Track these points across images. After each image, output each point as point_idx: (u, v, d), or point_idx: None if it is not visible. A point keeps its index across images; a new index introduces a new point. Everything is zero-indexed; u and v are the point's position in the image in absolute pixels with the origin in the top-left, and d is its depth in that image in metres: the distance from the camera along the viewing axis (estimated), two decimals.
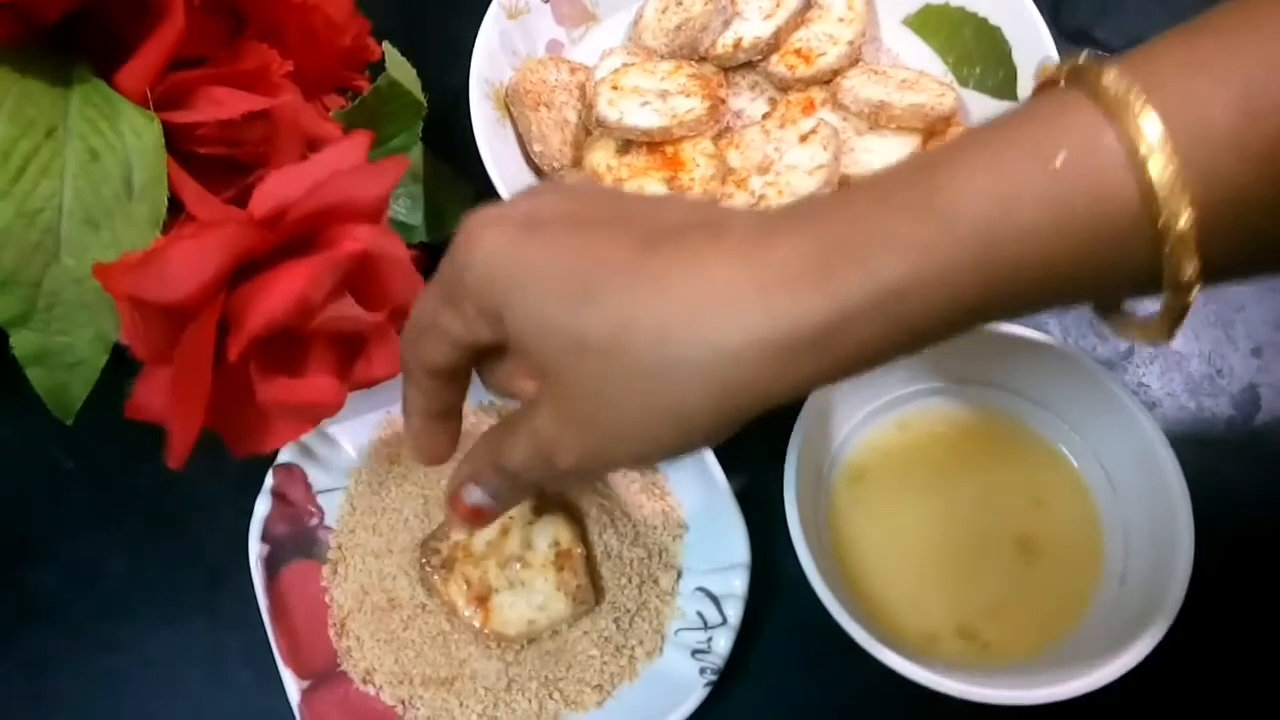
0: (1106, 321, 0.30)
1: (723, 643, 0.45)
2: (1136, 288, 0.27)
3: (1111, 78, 0.25)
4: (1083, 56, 0.27)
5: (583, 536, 0.48)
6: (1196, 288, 0.26)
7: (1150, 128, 0.24)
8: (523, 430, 0.31)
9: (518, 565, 0.46)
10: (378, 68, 0.45)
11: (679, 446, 0.29)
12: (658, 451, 0.30)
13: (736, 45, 0.56)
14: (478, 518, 0.35)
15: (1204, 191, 0.24)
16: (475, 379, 0.35)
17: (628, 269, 0.28)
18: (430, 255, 0.41)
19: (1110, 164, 0.25)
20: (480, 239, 0.30)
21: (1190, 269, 0.25)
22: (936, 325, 0.27)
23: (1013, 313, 0.28)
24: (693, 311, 0.27)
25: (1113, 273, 0.26)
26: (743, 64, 0.57)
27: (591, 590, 0.46)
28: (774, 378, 0.27)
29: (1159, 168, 0.24)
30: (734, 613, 0.45)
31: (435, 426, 0.35)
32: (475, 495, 0.34)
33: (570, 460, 0.30)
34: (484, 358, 0.34)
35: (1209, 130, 0.24)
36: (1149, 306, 0.28)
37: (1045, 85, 0.28)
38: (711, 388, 0.27)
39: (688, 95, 0.53)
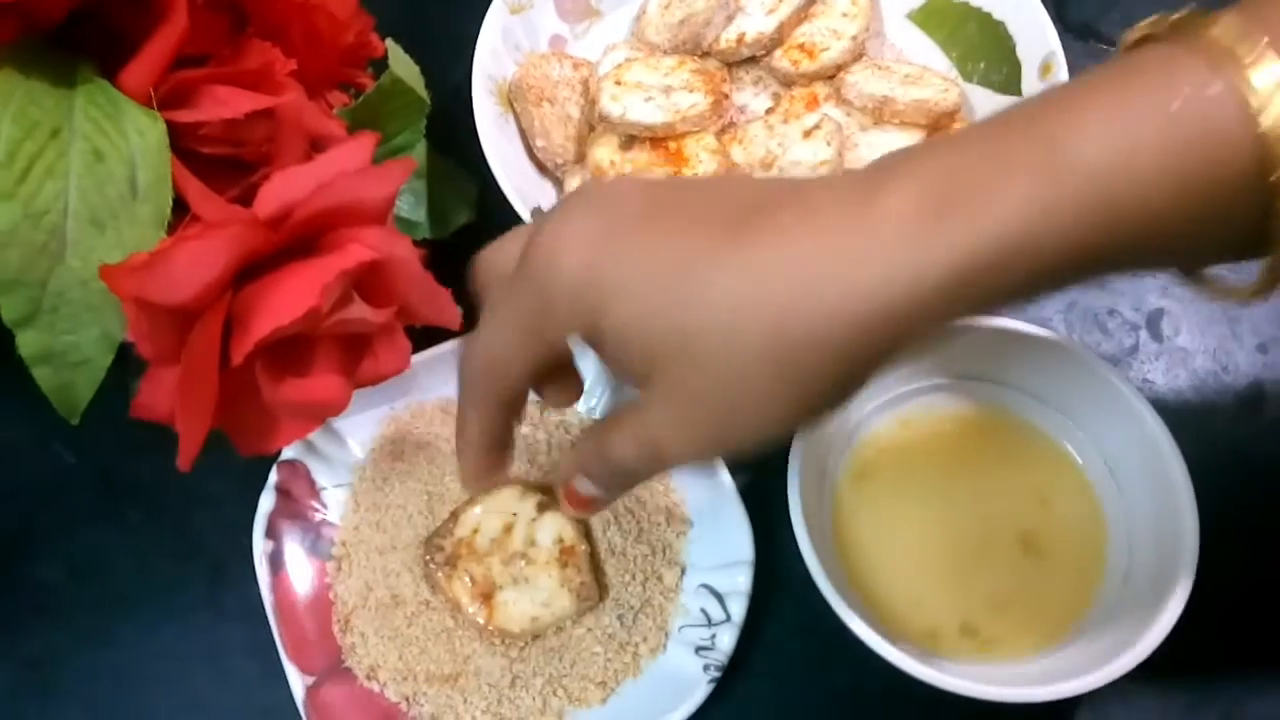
0: (1193, 283, 0.30)
1: (726, 639, 0.45)
2: (1245, 246, 0.27)
3: (1220, 29, 0.25)
4: (1185, 11, 0.26)
5: (586, 533, 0.48)
6: None
7: (1261, 79, 0.24)
8: (630, 429, 0.31)
9: (522, 562, 0.46)
10: (380, 64, 0.45)
11: (805, 420, 0.29)
12: (782, 429, 0.29)
13: (740, 40, 0.55)
14: (590, 506, 0.35)
15: None
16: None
17: (728, 251, 0.27)
18: (434, 251, 0.41)
19: (1224, 116, 0.24)
20: (560, 257, 0.29)
21: None
22: (1048, 280, 0.27)
23: (1118, 269, 0.28)
24: (811, 285, 0.26)
25: (1225, 227, 0.26)
26: (746, 59, 0.57)
27: (595, 587, 0.47)
28: (896, 339, 0.27)
29: (1270, 119, 0.24)
30: (738, 609, 0.46)
31: (495, 455, 0.36)
32: (586, 486, 0.34)
33: (684, 454, 0.30)
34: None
35: None
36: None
37: (1143, 40, 0.27)
38: (839, 360, 0.27)
39: (691, 90, 0.53)
